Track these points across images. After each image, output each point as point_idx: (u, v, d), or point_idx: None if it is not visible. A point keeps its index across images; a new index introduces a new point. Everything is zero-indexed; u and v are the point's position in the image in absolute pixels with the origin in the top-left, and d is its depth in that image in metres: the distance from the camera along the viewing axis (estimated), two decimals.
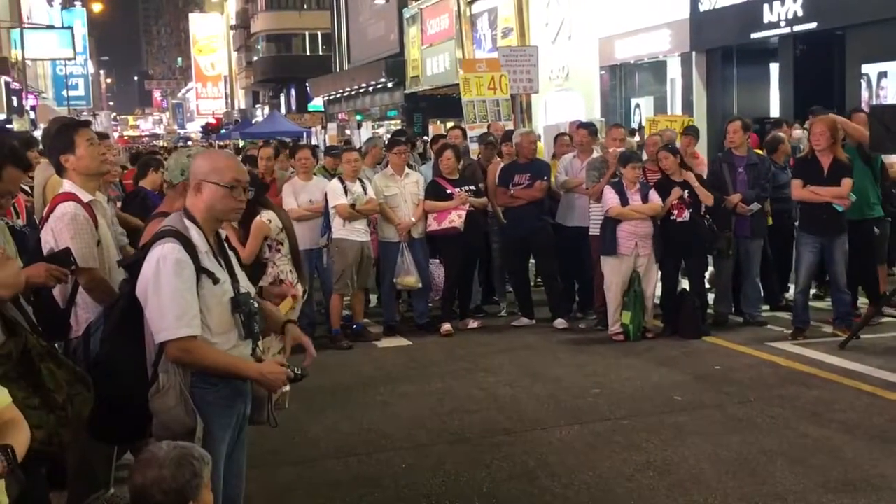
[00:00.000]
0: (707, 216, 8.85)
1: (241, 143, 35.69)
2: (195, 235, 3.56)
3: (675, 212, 8.81)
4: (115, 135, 58.04)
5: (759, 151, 10.23)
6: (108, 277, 4.56)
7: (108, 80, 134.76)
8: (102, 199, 4.99)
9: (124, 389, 3.52)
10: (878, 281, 9.21)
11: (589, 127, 10.24)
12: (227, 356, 3.54)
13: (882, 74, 16.33)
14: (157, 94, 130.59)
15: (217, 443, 3.23)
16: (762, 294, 9.52)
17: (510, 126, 13.29)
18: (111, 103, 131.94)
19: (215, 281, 3.51)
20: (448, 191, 9.36)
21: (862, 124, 8.86)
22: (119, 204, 8.39)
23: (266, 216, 7.04)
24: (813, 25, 17.17)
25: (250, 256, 7.11)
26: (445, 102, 31.01)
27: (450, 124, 20.12)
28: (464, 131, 12.90)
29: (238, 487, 3.82)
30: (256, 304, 3.63)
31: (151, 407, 3.46)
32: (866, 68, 16.54)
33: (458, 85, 15.84)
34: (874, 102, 15.39)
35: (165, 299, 3.41)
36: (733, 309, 9.44)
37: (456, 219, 9.21)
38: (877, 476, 5.26)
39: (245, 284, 3.71)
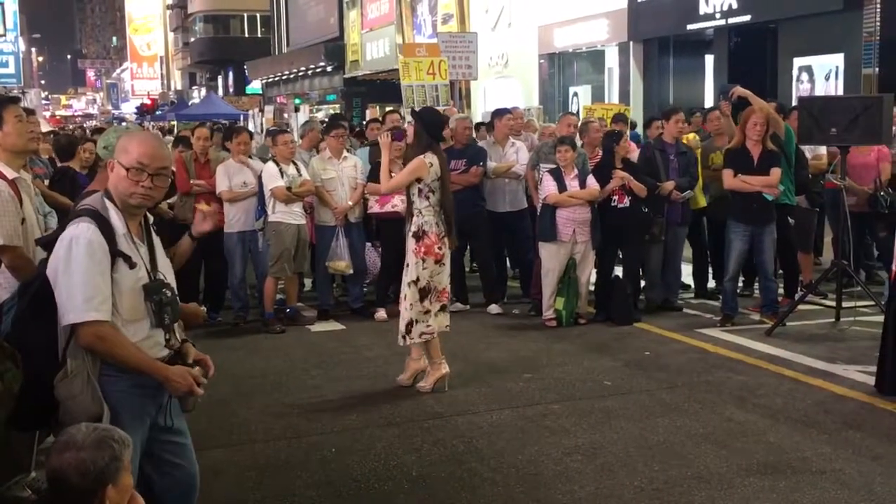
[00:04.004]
0: (644, 204, 8.96)
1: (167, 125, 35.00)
2: (114, 216, 3.44)
3: (616, 197, 8.90)
4: (47, 114, 56.68)
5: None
6: (32, 257, 4.46)
7: (40, 59, 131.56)
8: (27, 177, 4.88)
9: (32, 373, 3.33)
10: (796, 269, 9.44)
11: (503, 114, 10.23)
12: (139, 352, 3.40)
13: (804, 69, 16.72)
14: (90, 74, 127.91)
15: (129, 432, 3.10)
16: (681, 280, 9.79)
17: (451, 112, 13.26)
18: (43, 82, 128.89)
19: (131, 265, 3.40)
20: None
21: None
22: (47, 182, 8.22)
23: (429, 159, 6.75)
24: (747, 18, 17.51)
25: (393, 187, 6.90)
26: (385, 87, 30.94)
27: (388, 108, 20.05)
28: (402, 116, 12.84)
29: (192, 471, 3.75)
30: (170, 294, 3.51)
31: (57, 393, 3.31)
32: (798, 61, 16.90)
33: (397, 70, 15.81)
34: (801, 94, 15.74)
35: (75, 280, 3.29)
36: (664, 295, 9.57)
37: (399, 203, 8.99)
38: (797, 459, 5.38)
39: (166, 273, 3.60)
